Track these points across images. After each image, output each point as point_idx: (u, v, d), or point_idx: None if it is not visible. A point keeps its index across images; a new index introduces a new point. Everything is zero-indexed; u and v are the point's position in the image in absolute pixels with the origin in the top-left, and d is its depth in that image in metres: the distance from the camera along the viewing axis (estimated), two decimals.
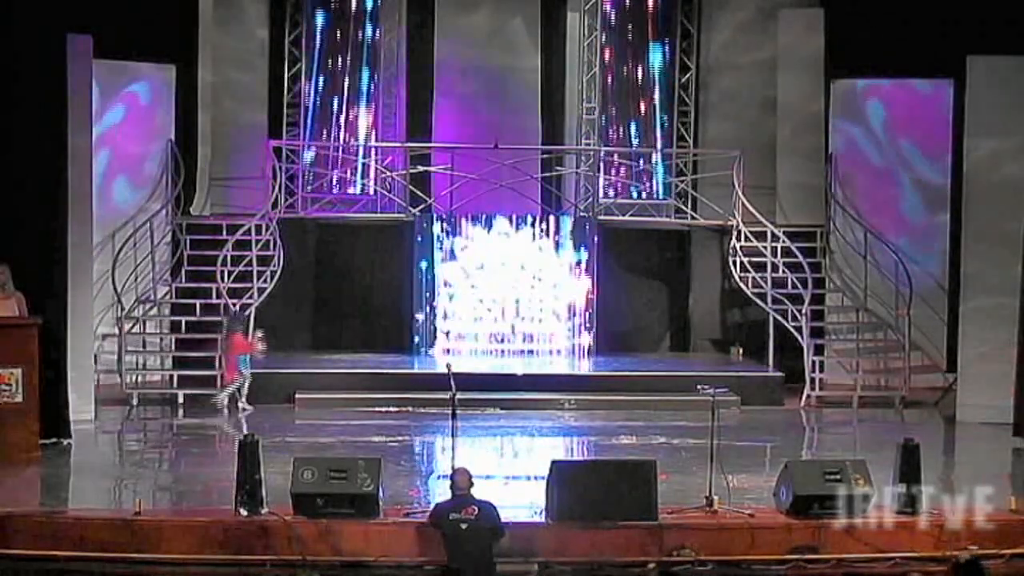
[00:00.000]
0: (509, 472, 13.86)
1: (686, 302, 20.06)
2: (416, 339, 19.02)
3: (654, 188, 20.31)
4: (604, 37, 20.19)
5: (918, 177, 18.71)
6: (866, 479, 11.08)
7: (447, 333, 19.04)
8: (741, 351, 19.32)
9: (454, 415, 11.73)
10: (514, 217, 19.24)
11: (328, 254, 19.53)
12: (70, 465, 13.77)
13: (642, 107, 20.32)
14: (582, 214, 19.48)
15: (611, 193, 20.22)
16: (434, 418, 15.92)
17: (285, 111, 19.81)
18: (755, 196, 18.85)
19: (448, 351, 18.76)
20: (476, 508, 10.30)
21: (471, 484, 10.47)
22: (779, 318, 18.02)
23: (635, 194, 20.27)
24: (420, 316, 19.00)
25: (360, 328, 19.43)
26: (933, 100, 18.54)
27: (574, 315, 19.18)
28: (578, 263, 19.16)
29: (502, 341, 18.96)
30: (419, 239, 19.02)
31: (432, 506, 10.78)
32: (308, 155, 19.81)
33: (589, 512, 10.90)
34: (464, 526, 10.19)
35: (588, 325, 19.20)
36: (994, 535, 10.76)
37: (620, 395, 17.20)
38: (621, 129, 20.38)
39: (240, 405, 16.61)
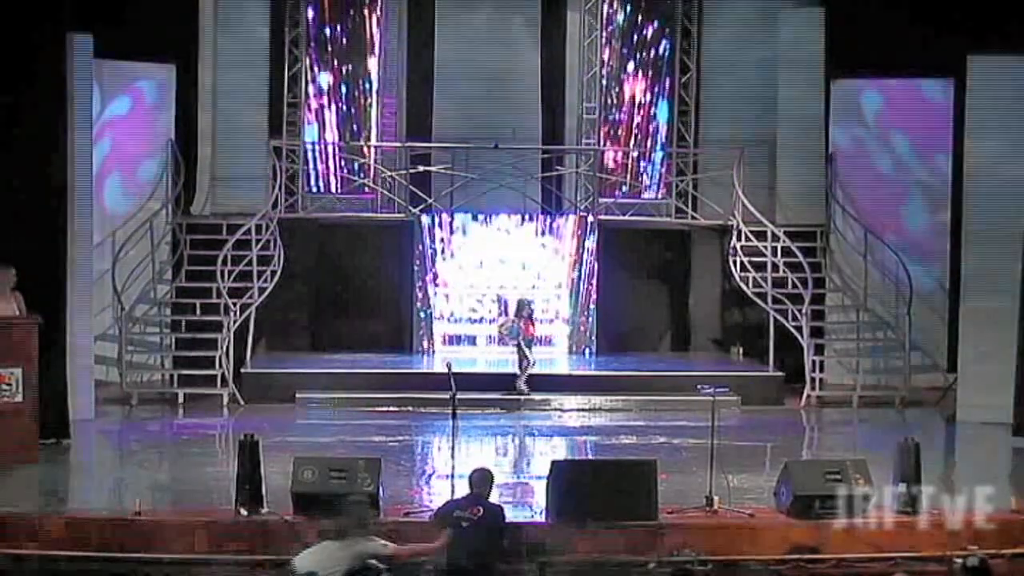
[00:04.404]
0: (509, 472, 13.87)
1: (686, 302, 20.04)
2: (416, 339, 19.04)
3: (649, 186, 20.31)
4: (604, 37, 20.19)
5: (918, 177, 18.70)
6: (866, 479, 11.09)
7: (446, 333, 19.10)
8: (741, 351, 19.32)
9: (454, 415, 11.74)
10: (514, 217, 19.25)
11: (328, 254, 19.52)
12: (70, 465, 13.78)
13: (642, 107, 20.32)
14: (582, 214, 19.48)
15: (611, 193, 20.21)
16: (434, 418, 15.94)
17: (285, 111, 19.81)
18: (755, 196, 18.85)
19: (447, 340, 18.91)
20: (481, 509, 10.29)
21: (485, 486, 10.45)
22: (779, 318, 18.01)
23: (636, 194, 20.27)
24: (420, 316, 19.02)
25: (360, 328, 19.41)
26: (933, 100, 18.53)
27: (574, 315, 19.18)
28: (578, 263, 19.16)
29: (502, 341, 18.93)
30: (419, 239, 19.03)
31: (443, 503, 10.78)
32: (308, 155, 19.86)
33: (589, 512, 10.90)
34: (465, 524, 10.18)
35: (588, 325, 19.21)
36: (995, 535, 10.76)
37: (620, 395, 17.20)
38: (621, 129, 20.37)
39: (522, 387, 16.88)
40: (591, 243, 19.16)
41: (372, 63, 20.08)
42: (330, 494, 10.81)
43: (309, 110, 19.91)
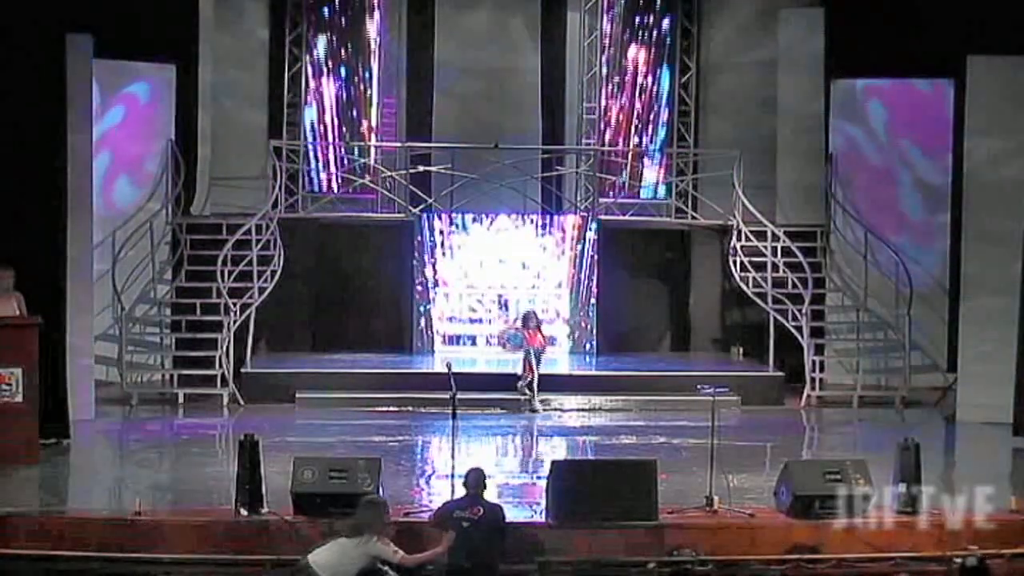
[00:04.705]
0: (509, 472, 13.87)
1: (686, 302, 20.06)
2: (416, 339, 19.03)
3: (649, 186, 20.35)
4: (604, 37, 20.19)
5: (918, 177, 18.71)
6: (866, 479, 11.07)
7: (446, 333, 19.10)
8: (741, 351, 19.32)
9: (454, 415, 11.74)
10: (514, 217, 19.25)
11: (328, 254, 19.53)
12: (70, 465, 13.77)
13: (642, 107, 20.32)
14: (582, 214, 19.48)
15: (611, 193, 20.22)
16: (434, 418, 15.95)
17: (285, 111, 19.81)
18: (755, 196, 18.84)
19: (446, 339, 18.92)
20: (481, 509, 10.30)
21: (482, 486, 10.46)
22: (779, 318, 18.02)
23: (636, 194, 20.28)
24: (420, 316, 19.02)
25: (360, 328, 19.41)
26: (933, 100, 18.53)
27: (574, 315, 19.17)
28: (578, 263, 19.15)
29: (503, 346, 18.93)
30: (419, 239, 19.04)
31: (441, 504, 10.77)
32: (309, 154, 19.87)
33: (589, 512, 10.90)
34: (466, 524, 10.19)
35: (588, 325, 19.20)
36: (995, 535, 10.75)
37: (620, 395, 17.20)
38: (621, 129, 20.38)
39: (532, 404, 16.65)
40: (591, 243, 19.16)
41: (372, 62, 20.08)
42: (330, 494, 10.82)
43: (309, 109, 19.91)
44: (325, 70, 20.02)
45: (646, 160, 20.42)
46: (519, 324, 17.37)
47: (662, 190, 20.32)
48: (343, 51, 20.06)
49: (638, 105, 20.27)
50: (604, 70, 20.16)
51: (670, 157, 20.33)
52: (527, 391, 16.76)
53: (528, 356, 16.82)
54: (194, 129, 18.90)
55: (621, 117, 20.31)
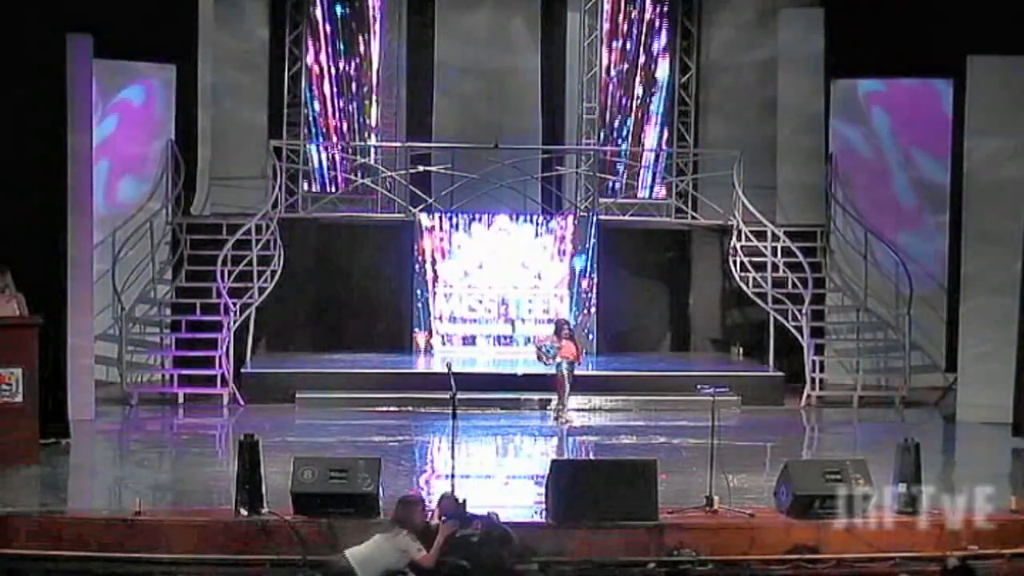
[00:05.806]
0: (509, 472, 13.86)
1: (686, 302, 20.05)
2: (416, 339, 19.02)
3: (652, 187, 20.35)
4: (604, 37, 20.19)
5: (918, 177, 18.72)
6: (866, 479, 11.08)
7: (445, 333, 19.09)
8: (741, 351, 19.32)
9: (454, 415, 11.74)
10: (514, 217, 19.24)
11: (328, 254, 19.52)
12: (70, 465, 13.77)
13: (642, 107, 20.31)
14: (582, 214, 19.48)
15: (611, 193, 20.22)
16: (434, 418, 15.95)
17: (285, 111, 19.81)
18: (755, 196, 18.85)
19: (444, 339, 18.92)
20: (480, 523, 10.33)
21: (462, 505, 10.48)
22: (779, 318, 18.02)
23: (635, 194, 20.28)
24: (419, 316, 19.01)
25: (360, 328, 19.41)
26: (933, 100, 18.54)
27: (574, 315, 19.16)
28: (578, 263, 19.15)
29: (502, 341, 18.94)
30: (419, 239, 19.03)
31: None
32: (309, 154, 19.87)
33: (589, 512, 10.90)
34: (475, 539, 10.21)
35: (588, 325, 19.19)
36: (994, 535, 10.76)
37: (620, 395, 17.20)
38: (621, 129, 20.38)
39: (559, 413, 16.14)
40: (591, 243, 19.15)
41: (372, 62, 20.08)
42: (330, 494, 10.83)
43: (309, 109, 19.91)
44: (325, 70, 20.02)
45: (645, 160, 20.43)
46: (553, 333, 16.78)
47: (661, 190, 20.31)
48: (343, 51, 20.06)
49: (638, 105, 20.28)
50: (603, 70, 20.15)
51: (670, 157, 20.33)
52: (560, 406, 16.17)
53: (559, 369, 16.23)
54: (194, 129, 18.91)
55: (621, 117, 20.31)
